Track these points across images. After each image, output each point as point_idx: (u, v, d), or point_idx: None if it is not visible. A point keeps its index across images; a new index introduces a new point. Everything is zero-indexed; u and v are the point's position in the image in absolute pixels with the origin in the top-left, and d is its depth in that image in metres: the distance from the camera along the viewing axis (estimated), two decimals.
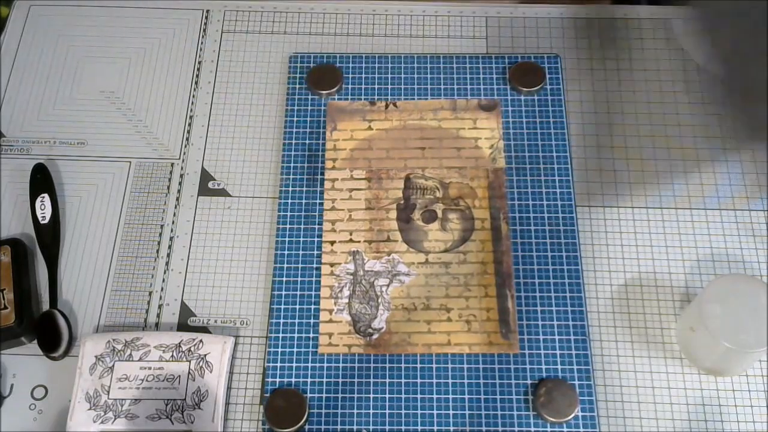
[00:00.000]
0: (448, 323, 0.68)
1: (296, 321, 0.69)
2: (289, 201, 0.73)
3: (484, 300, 0.69)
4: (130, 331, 0.69)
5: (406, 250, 0.71)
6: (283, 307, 0.69)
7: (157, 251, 0.73)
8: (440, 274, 0.70)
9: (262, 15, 0.84)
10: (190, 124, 0.79)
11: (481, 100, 0.78)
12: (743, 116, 0.69)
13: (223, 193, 0.75)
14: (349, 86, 0.79)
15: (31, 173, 0.75)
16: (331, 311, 0.69)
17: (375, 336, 0.68)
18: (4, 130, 0.79)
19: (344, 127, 0.77)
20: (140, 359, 0.66)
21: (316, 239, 0.72)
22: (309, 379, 0.66)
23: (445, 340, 0.68)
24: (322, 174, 0.75)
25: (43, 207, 0.73)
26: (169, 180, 0.76)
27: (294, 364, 0.67)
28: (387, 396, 0.66)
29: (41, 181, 0.74)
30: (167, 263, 0.72)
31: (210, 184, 0.76)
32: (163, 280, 0.72)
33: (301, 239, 0.72)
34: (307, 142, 0.76)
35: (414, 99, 0.78)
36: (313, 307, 0.69)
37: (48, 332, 0.68)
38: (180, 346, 0.67)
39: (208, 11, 0.85)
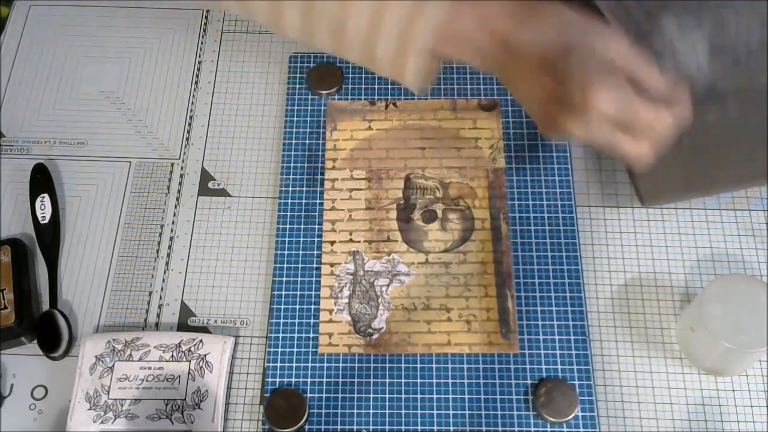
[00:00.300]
0: (448, 323, 0.68)
1: (296, 321, 0.69)
2: (289, 201, 0.73)
3: (484, 300, 0.69)
4: (130, 331, 0.69)
5: (406, 250, 0.71)
6: (283, 307, 0.69)
7: (157, 251, 0.73)
8: (440, 274, 0.70)
9: None
10: (190, 124, 0.79)
11: (481, 100, 0.78)
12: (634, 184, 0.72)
13: (223, 193, 0.75)
14: (349, 86, 0.79)
15: (31, 173, 0.75)
16: (331, 311, 0.69)
17: (375, 336, 0.68)
18: (4, 130, 0.79)
19: (344, 127, 0.77)
20: (140, 359, 0.66)
21: (316, 239, 0.72)
22: (309, 379, 0.66)
23: (445, 340, 0.68)
24: (322, 174, 0.75)
25: (43, 207, 0.73)
26: (169, 180, 0.76)
27: (294, 364, 0.67)
28: (387, 396, 0.66)
29: (41, 181, 0.74)
30: (167, 263, 0.72)
31: (210, 184, 0.76)
32: (163, 280, 0.72)
33: (301, 239, 0.72)
34: (307, 142, 0.76)
35: (414, 99, 0.78)
36: (313, 307, 0.69)
37: (48, 332, 0.68)
38: (180, 346, 0.67)
39: (208, 11, 0.85)
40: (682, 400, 0.66)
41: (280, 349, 0.67)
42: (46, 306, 0.70)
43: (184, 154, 0.77)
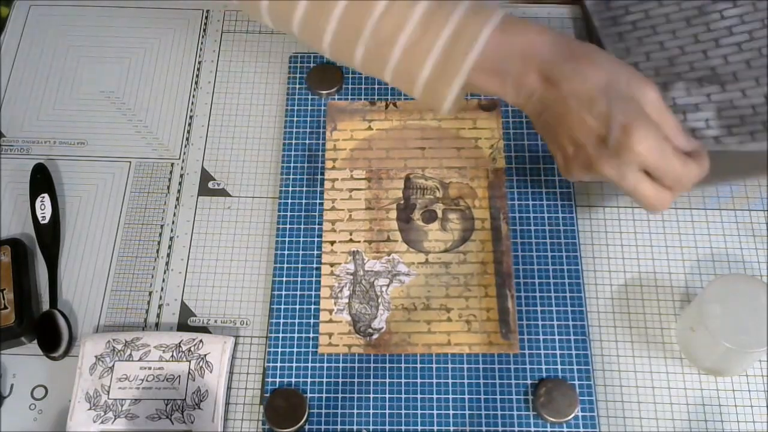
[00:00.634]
0: (448, 323, 0.68)
1: (296, 321, 0.69)
2: (289, 201, 0.73)
3: (484, 300, 0.69)
4: (130, 331, 0.69)
5: (406, 250, 0.71)
6: (283, 307, 0.69)
7: (157, 251, 0.73)
8: (440, 274, 0.70)
9: None
10: (190, 124, 0.79)
11: (481, 100, 0.78)
12: None
13: (223, 193, 0.75)
14: (349, 86, 0.79)
15: (31, 173, 0.75)
16: (331, 311, 0.69)
17: (375, 336, 0.68)
18: (4, 130, 0.79)
19: (344, 127, 0.77)
20: (140, 359, 0.66)
21: (316, 239, 0.72)
22: (309, 379, 0.66)
23: (445, 340, 0.68)
24: (322, 174, 0.75)
25: (43, 207, 0.73)
26: (169, 180, 0.76)
27: (294, 364, 0.67)
28: (387, 396, 0.66)
29: (41, 181, 0.74)
30: (167, 263, 0.72)
31: (210, 184, 0.76)
32: (163, 280, 0.72)
33: (301, 239, 0.72)
34: (307, 142, 0.76)
35: (414, 99, 0.77)
36: (313, 307, 0.69)
37: (48, 332, 0.68)
38: (180, 346, 0.67)
39: (208, 11, 0.85)
40: (682, 400, 0.66)
41: (280, 349, 0.67)
42: (46, 306, 0.70)
43: (184, 154, 0.77)
